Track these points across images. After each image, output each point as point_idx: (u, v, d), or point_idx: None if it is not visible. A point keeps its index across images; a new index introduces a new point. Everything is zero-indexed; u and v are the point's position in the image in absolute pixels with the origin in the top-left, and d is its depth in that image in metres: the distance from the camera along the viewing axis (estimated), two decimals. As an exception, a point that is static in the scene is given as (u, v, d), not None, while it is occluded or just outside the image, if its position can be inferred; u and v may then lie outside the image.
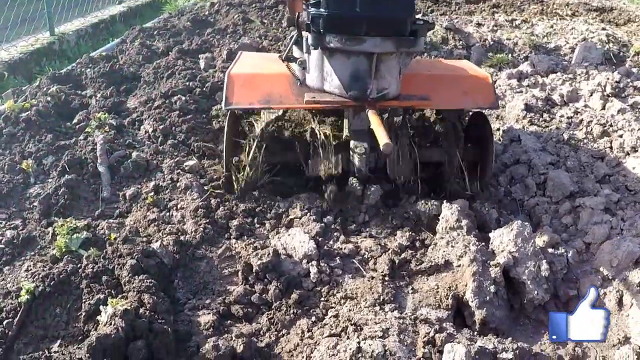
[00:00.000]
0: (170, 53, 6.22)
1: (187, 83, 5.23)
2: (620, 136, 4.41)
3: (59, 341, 2.66)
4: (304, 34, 3.47)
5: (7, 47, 7.24)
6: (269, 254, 3.03)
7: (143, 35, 7.13)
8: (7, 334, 2.68)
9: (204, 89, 5.17)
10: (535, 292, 2.93)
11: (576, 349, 2.76)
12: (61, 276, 2.92)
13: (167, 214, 3.60)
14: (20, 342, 2.67)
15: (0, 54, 6.97)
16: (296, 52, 3.71)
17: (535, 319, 2.97)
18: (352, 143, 3.58)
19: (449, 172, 3.84)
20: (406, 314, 2.74)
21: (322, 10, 3.18)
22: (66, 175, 3.92)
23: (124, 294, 2.77)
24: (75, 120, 4.80)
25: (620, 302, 3.02)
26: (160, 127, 4.46)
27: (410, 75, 3.66)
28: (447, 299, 2.82)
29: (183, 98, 4.85)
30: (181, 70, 5.55)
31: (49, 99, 5.01)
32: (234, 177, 3.76)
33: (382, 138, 2.98)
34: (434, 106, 3.81)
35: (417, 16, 3.32)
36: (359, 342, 2.42)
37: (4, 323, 2.72)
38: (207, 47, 6.48)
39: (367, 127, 3.54)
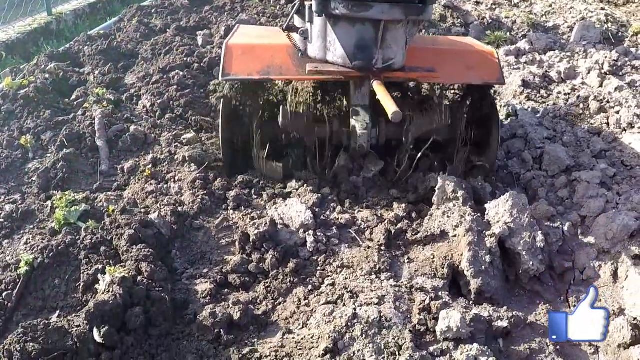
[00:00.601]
0: (168, 30, 6.23)
1: (185, 59, 5.24)
2: (617, 112, 4.42)
3: (57, 312, 2.69)
4: (307, 2, 3.37)
5: (4, 28, 7.22)
6: (266, 223, 3.04)
7: (141, 13, 7.11)
8: (7, 306, 2.70)
9: (202, 64, 5.18)
10: (531, 262, 2.95)
11: (572, 319, 2.78)
12: (60, 248, 2.94)
13: (165, 186, 3.62)
14: (20, 313, 2.70)
15: (-2, 35, 6.96)
16: (298, 22, 3.56)
17: (530, 290, 3.00)
18: (352, 118, 3.49)
19: (454, 148, 3.75)
20: (402, 282, 2.76)
21: None
22: (65, 150, 3.95)
23: (122, 264, 2.79)
24: (73, 97, 4.81)
25: (615, 275, 3.05)
26: (158, 101, 4.47)
27: (415, 49, 3.56)
28: (443, 268, 2.84)
29: (181, 73, 4.87)
30: (179, 47, 5.55)
31: (47, 76, 5.02)
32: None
33: (391, 107, 2.91)
34: (440, 80, 3.71)
35: None
36: (354, 309, 2.45)
37: (3, 295, 2.75)
38: (205, 24, 6.48)
39: (368, 101, 3.49)
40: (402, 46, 3.36)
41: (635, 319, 2.67)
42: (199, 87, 4.80)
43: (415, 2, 3.14)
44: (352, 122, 3.48)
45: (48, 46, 6.64)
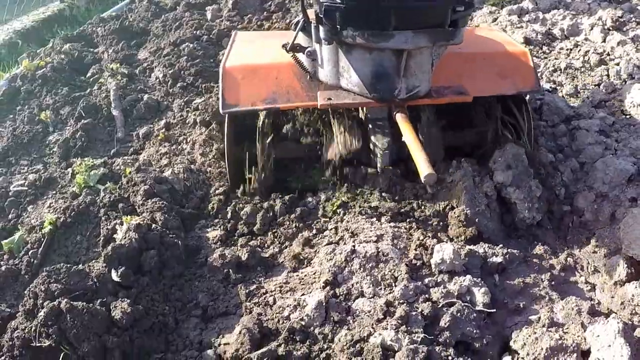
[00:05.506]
0: (177, 8, 6.39)
1: (195, 32, 5.41)
2: (617, 64, 4.48)
3: (80, 266, 2.87)
4: (314, 22, 2.86)
5: (19, 17, 7.43)
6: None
7: (151, -7, 7.27)
8: (33, 263, 2.92)
9: (211, 36, 5.35)
10: (526, 211, 3.04)
11: (568, 259, 2.89)
12: (80, 207, 3.15)
13: (178, 147, 3.80)
14: (44, 269, 2.88)
15: (13, 24, 7.17)
16: (303, 41, 3.02)
17: (529, 233, 3.10)
18: (371, 135, 3.17)
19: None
20: (401, 224, 2.89)
21: (337, 1, 2.58)
22: (82, 121, 4.15)
23: (138, 216, 2.98)
24: (89, 74, 5.01)
25: (612, 217, 3.12)
26: (170, 72, 4.65)
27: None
28: (443, 211, 2.97)
29: (191, 45, 5.03)
30: (188, 21, 5.71)
31: (62, 56, 5.22)
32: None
33: (423, 166, 2.46)
34: (471, 99, 3.09)
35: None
36: (353, 246, 2.60)
37: (30, 253, 2.97)
38: (214, -1, 6.63)
39: (387, 114, 3.12)
40: (427, 70, 2.91)
41: (630, 257, 2.76)
42: (209, 57, 4.95)
43: (444, 26, 2.67)
44: (371, 139, 3.18)
45: (62, 32, 6.83)
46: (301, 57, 3.01)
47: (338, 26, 2.65)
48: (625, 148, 3.53)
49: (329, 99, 2.90)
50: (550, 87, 4.32)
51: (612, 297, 2.67)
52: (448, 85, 3.05)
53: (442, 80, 3.07)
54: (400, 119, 2.79)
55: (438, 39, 2.70)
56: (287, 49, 2.94)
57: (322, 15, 2.66)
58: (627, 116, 3.94)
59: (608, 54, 4.67)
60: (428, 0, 2.60)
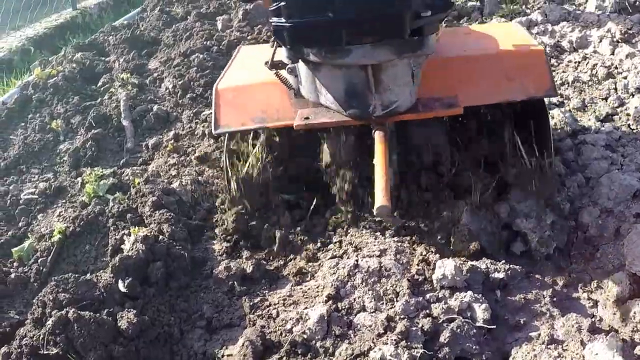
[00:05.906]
0: (188, 17, 6.46)
1: (205, 42, 5.47)
2: (625, 78, 4.48)
3: (88, 275, 2.92)
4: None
5: (31, 25, 7.54)
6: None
7: (162, 2, 7.38)
8: (42, 271, 2.99)
9: (221, 47, 5.41)
10: (536, 241, 2.97)
11: (571, 274, 2.89)
12: (89, 217, 3.22)
13: (187, 158, 3.85)
14: (53, 278, 2.93)
15: (25, 31, 7.27)
16: (284, 57, 2.74)
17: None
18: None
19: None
20: (405, 239, 2.92)
21: (282, 20, 2.38)
22: (93, 130, 4.22)
23: (146, 227, 3.03)
24: (99, 83, 5.09)
25: (617, 232, 3.12)
26: (180, 82, 4.71)
27: (436, 60, 2.76)
28: (447, 226, 2.98)
29: (201, 56, 5.09)
30: (199, 32, 5.78)
31: (74, 65, 5.31)
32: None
33: (380, 197, 2.35)
34: (461, 111, 2.76)
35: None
36: (356, 260, 2.63)
37: (39, 261, 3.03)
38: (224, 9, 6.69)
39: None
40: (406, 82, 2.63)
41: (634, 274, 2.75)
42: (218, 68, 4.97)
43: (403, 36, 2.38)
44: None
45: (74, 40, 6.92)
46: (284, 73, 2.80)
47: (288, 46, 2.49)
48: (631, 163, 3.53)
49: (307, 118, 2.74)
50: (558, 100, 4.33)
51: (614, 313, 2.67)
52: (438, 97, 2.75)
53: (434, 90, 2.77)
54: (377, 137, 2.60)
55: (402, 50, 2.44)
56: (269, 66, 2.75)
57: (273, 36, 2.51)
58: (634, 130, 3.94)
59: (616, 67, 4.67)
60: (375, 10, 2.33)
